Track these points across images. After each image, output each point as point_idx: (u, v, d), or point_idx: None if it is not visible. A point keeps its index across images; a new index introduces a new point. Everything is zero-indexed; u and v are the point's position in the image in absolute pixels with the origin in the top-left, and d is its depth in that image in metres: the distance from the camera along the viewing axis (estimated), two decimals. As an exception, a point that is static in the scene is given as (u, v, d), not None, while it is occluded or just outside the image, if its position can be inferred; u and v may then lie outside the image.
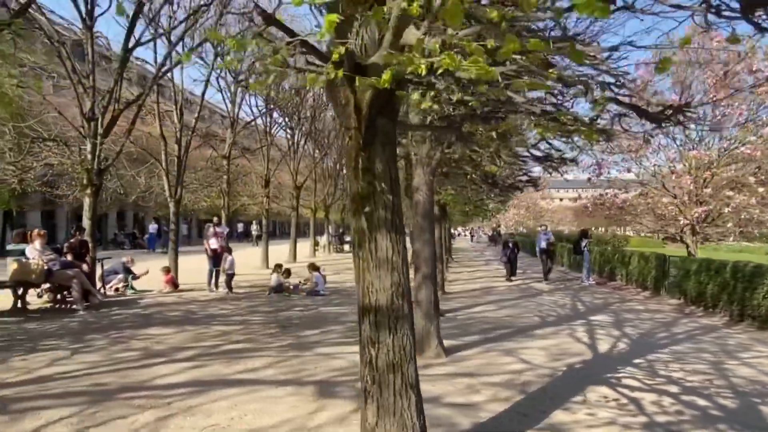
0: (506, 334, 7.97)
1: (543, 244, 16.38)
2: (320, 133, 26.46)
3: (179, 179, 14.80)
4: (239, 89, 17.80)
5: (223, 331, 7.67)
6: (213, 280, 12.67)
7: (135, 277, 12.38)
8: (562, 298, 12.65)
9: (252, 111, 19.72)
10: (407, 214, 10.77)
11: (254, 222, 53.30)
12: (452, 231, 40.14)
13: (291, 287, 12.49)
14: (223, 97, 17.65)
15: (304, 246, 27.84)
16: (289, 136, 24.29)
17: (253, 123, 20.27)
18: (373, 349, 2.97)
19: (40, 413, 4.24)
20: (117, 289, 12.03)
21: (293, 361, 6.02)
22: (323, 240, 34.19)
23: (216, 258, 12.74)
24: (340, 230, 38.01)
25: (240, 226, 49.59)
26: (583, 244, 16.68)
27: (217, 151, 17.74)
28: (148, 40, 11.79)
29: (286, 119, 23.36)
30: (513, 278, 16.27)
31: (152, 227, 32.16)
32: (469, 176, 8.35)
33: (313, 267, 12.76)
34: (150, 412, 4.30)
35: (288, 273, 12.86)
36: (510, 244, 16.31)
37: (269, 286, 12.35)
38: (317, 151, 27.33)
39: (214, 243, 12.77)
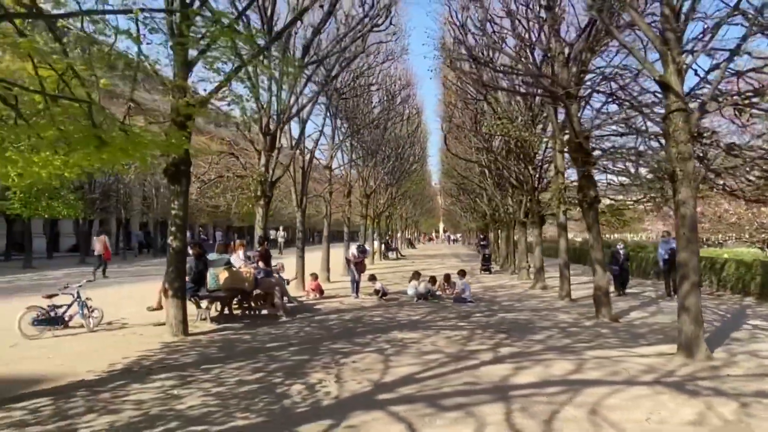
0: (714, 339, 8.44)
1: (665, 255, 14.58)
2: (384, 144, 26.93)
3: (304, 189, 15.29)
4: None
5: (462, 336, 8.13)
6: (356, 288, 13.13)
7: (287, 283, 12.78)
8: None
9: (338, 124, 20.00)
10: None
11: (280, 228, 53.52)
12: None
13: (430, 294, 12.96)
14: (329, 111, 18.00)
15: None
16: (357, 145, 24.80)
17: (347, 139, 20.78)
18: None
19: (475, 409, 4.70)
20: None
21: (590, 363, 6.48)
22: (374, 247, 34.63)
23: (358, 269, 13.23)
24: (387, 238, 38.45)
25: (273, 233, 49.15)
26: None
27: (320, 161, 18.29)
28: (322, 58, 12.30)
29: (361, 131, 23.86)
30: (623, 292, 14.71)
31: None
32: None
33: (462, 273, 13.24)
34: (570, 408, 4.76)
35: (433, 280, 13.32)
36: (621, 254, 14.81)
37: (417, 293, 12.76)
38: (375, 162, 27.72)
39: (358, 257, 13.26)
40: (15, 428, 4.09)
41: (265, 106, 11.09)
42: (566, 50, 10.24)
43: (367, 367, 6.09)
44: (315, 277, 13.33)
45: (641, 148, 9.32)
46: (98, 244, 17.82)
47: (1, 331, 8.12)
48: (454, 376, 5.72)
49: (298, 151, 15.57)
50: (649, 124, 10.23)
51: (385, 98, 22.18)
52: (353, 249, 13.47)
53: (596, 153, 10.44)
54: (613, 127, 11.16)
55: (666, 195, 11.19)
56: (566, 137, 10.91)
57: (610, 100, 10.14)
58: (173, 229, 7.87)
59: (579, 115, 11.31)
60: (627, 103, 10.37)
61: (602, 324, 9.71)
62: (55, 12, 5.13)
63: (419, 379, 5.59)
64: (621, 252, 14.98)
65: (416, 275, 13.36)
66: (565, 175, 14.52)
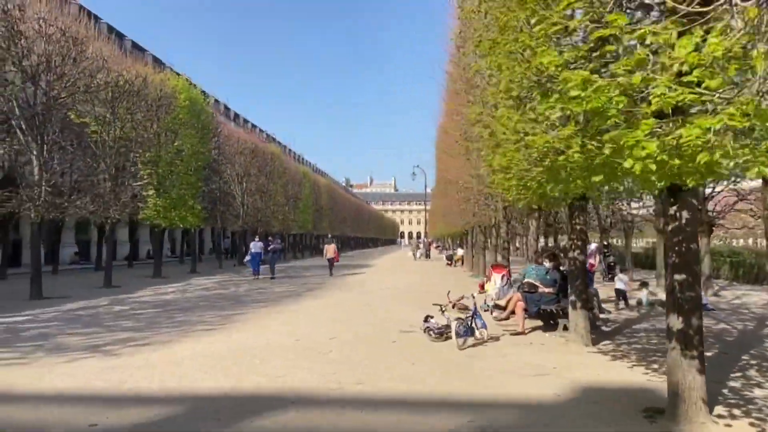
0: None
1: None
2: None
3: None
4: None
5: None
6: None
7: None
8: None
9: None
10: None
11: (328, 234, 53.01)
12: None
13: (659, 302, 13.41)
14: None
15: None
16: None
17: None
18: None
19: None
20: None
21: None
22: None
23: (591, 274, 13.69)
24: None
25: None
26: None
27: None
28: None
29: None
30: None
31: (256, 245, 23.90)
32: None
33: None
34: None
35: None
36: None
37: (651, 300, 13.21)
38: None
39: (591, 260, 13.74)
40: None
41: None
42: None
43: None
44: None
45: None
46: (330, 250, 23.94)
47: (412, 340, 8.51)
48: None
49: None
50: None
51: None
52: (591, 259, 13.92)
53: None
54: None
55: None
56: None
57: None
58: (579, 243, 8.28)
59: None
60: None
61: None
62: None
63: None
64: None
65: (645, 284, 13.86)
66: None
